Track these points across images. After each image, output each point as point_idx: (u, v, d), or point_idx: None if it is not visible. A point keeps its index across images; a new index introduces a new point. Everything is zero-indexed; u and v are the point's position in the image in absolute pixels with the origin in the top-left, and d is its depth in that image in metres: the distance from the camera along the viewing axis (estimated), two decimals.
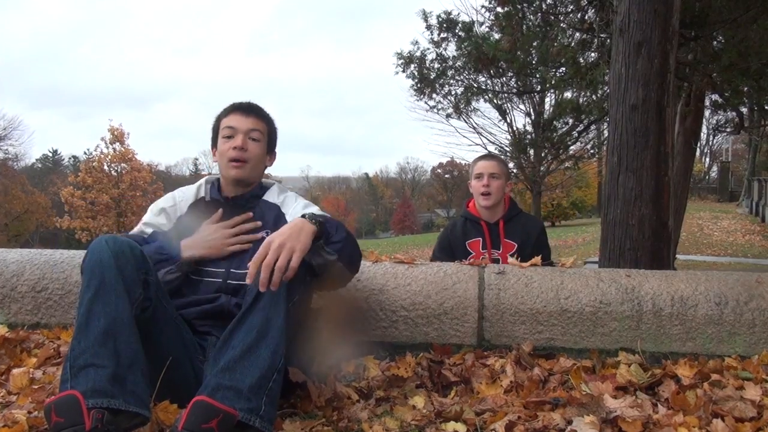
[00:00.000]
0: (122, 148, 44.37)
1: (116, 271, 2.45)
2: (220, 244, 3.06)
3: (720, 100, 12.80)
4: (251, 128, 3.20)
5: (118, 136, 44.28)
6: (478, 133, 24.78)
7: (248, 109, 3.26)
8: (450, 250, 4.76)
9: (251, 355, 2.41)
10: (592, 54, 11.22)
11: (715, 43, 10.48)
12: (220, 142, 3.22)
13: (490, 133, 24.94)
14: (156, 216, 3.21)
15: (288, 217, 3.21)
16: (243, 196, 3.27)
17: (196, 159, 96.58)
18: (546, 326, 3.33)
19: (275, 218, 3.24)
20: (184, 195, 3.29)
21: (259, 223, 3.18)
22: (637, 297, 3.34)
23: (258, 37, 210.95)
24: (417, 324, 3.37)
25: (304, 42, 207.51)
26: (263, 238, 2.69)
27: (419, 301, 3.39)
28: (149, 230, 3.16)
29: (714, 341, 3.29)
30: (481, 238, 4.71)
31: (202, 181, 3.37)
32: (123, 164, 44.44)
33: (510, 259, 3.92)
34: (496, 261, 4.47)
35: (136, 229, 3.19)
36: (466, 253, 4.66)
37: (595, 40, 10.36)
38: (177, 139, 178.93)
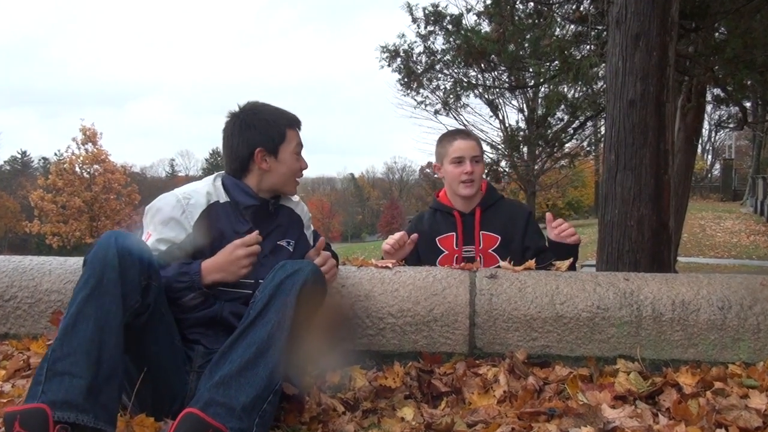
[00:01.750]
0: (95, 149, 44.35)
1: (118, 272, 2.45)
2: (236, 269, 2.93)
3: (722, 94, 12.85)
4: None
5: (90, 137, 44.24)
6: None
7: None
8: (414, 250, 4.21)
9: (248, 373, 2.42)
10: (588, 47, 11.22)
11: (717, 34, 10.51)
12: None
13: (481, 131, 24.91)
14: (165, 228, 2.99)
15: (308, 234, 3.42)
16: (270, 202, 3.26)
17: (173, 160, 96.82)
18: (541, 333, 3.32)
19: (298, 231, 3.34)
20: (193, 199, 3.07)
21: (258, 248, 3.06)
22: (636, 301, 3.33)
23: (242, 31, 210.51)
24: (405, 331, 3.36)
25: (291, 36, 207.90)
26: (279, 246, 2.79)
27: (407, 308, 3.37)
28: (164, 247, 2.97)
29: (717, 347, 3.28)
30: (454, 233, 4.22)
31: (212, 180, 3.22)
32: (95, 166, 44.43)
33: (503, 263, 3.74)
34: (470, 259, 4.06)
35: (151, 242, 2.97)
36: (435, 251, 4.22)
37: (591, 32, 10.35)
38: (153, 138, 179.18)
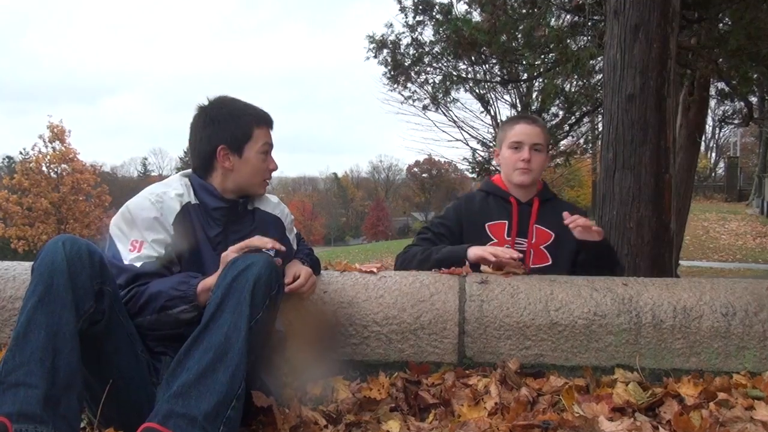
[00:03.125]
0: (63, 148, 44.11)
1: (67, 278, 2.42)
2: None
3: (727, 88, 12.89)
4: None
5: (58, 134, 44.02)
6: (458, 127, 24.66)
7: None
8: (458, 229, 4.13)
9: (208, 379, 2.39)
10: (584, 39, 11.23)
11: (720, 25, 10.52)
12: None
13: (472, 127, 24.86)
14: (152, 231, 2.96)
15: (291, 238, 3.46)
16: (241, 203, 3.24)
17: (146, 159, 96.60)
18: (534, 341, 3.32)
19: (279, 234, 3.31)
20: (165, 201, 3.04)
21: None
22: (635, 308, 3.34)
23: (223, 22, 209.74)
24: (391, 340, 3.36)
25: (274, 28, 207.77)
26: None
27: (393, 315, 3.37)
28: (162, 249, 2.95)
29: (721, 356, 3.29)
30: (507, 221, 4.08)
31: (180, 180, 3.20)
32: (63, 165, 44.17)
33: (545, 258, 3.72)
34: (520, 255, 3.82)
35: (145, 252, 2.92)
36: (483, 238, 4.06)
37: (588, 22, 10.37)
38: (126, 136, 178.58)
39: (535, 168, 4.08)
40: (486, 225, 4.10)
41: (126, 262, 2.88)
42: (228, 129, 3.13)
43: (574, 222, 3.79)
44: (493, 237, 4.07)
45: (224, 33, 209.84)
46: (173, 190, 3.08)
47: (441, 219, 4.23)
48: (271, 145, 3.24)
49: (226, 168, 3.12)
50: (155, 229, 2.94)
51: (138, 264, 2.88)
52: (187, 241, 3.00)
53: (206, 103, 3.20)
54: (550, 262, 3.97)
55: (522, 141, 4.07)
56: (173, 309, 2.80)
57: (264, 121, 3.23)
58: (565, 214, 3.85)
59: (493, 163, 4.28)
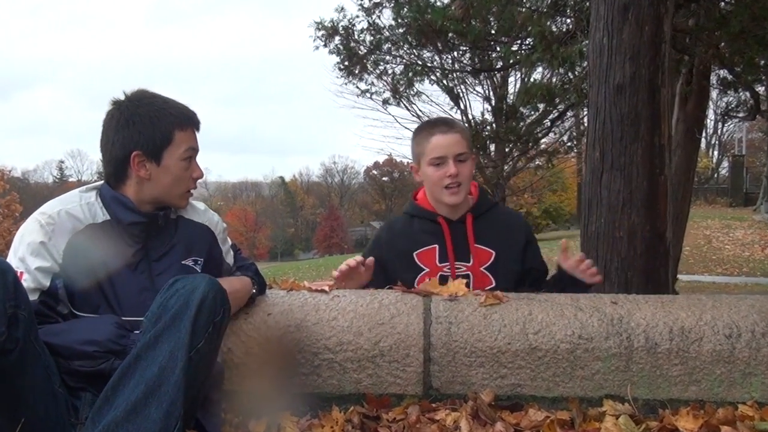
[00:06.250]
0: None
1: None
2: None
3: (729, 76, 12.99)
4: None
5: None
6: None
7: None
8: (380, 268, 4.11)
9: (138, 416, 2.38)
10: (567, 21, 11.28)
11: (722, 4, 10.58)
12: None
13: None
14: (38, 257, 2.91)
15: (224, 250, 3.45)
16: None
17: (62, 162, 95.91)
18: (510, 369, 3.32)
19: (208, 246, 3.33)
20: (57, 225, 2.98)
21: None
22: (626, 329, 3.35)
23: (158, 3, 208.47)
24: (345, 369, 3.35)
25: (220, 8, 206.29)
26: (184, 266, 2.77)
27: (348, 340, 3.36)
28: (47, 279, 2.90)
29: (724, 384, 3.30)
30: (438, 245, 4.08)
31: (82, 197, 3.14)
32: None
33: (499, 294, 3.58)
34: (464, 278, 3.87)
35: (28, 282, 2.86)
36: (412, 269, 4.09)
37: (570, 2, 10.42)
38: (41, 136, 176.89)
39: (465, 181, 4.04)
40: (414, 254, 4.11)
41: None
42: (144, 132, 3.08)
43: (582, 264, 3.98)
44: (424, 266, 4.08)
45: (160, 16, 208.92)
46: (71, 210, 3.04)
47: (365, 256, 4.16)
48: (195, 150, 3.21)
49: (142, 177, 3.09)
50: (41, 256, 2.91)
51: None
52: (85, 270, 2.95)
53: (122, 99, 3.15)
54: (493, 285, 3.97)
55: (444, 155, 4.03)
56: (103, 363, 2.75)
57: (188, 121, 3.19)
58: (563, 244, 4.00)
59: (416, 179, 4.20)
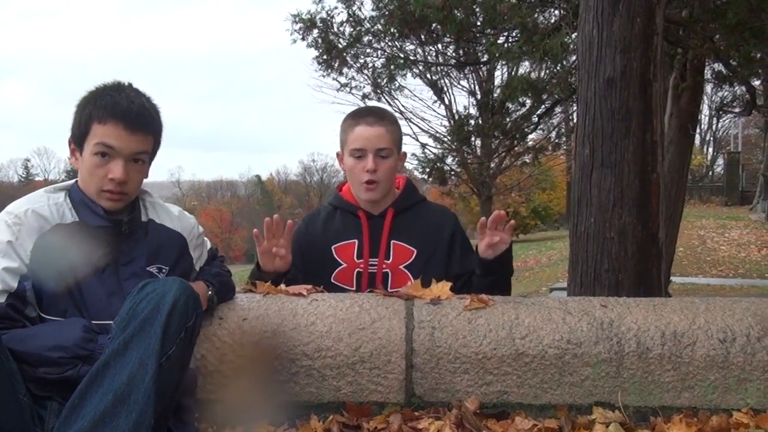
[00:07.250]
0: None
1: None
2: None
3: (725, 70, 12.99)
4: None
5: None
6: (406, 118, 24.73)
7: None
8: (300, 260, 4.06)
9: (106, 427, 2.38)
10: (555, 13, 11.28)
11: None
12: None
13: (422, 119, 24.99)
14: (5, 257, 2.89)
15: (194, 256, 3.42)
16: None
17: (28, 160, 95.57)
18: (496, 375, 3.32)
19: (177, 253, 3.30)
20: (24, 225, 2.97)
21: None
22: (617, 334, 3.35)
23: None
24: (324, 376, 3.34)
25: (195, 2, 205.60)
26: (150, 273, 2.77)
27: (327, 346, 3.35)
28: (14, 280, 2.88)
29: (718, 390, 3.31)
30: (357, 240, 4.09)
31: (51, 196, 3.13)
32: None
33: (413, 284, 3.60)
34: (373, 277, 4.02)
35: None
36: (330, 264, 4.11)
37: None
38: (6, 134, 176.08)
39: (383, 178, 4.01)
40: (333, 248, 4.11)
41: None
42: (74, 119, 3.12)
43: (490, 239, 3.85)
44: (341, 261, 4.09)
45: (134, 7, 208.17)
46: (39, 209, 3.03)
47: None
48: (109, 147, 3.06)
49: (74, 166, 3.13)
50: (8, 256, 2.90)
51: None
52: (54, 271, 2.93)
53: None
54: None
55: (363, 147, 4.00)
56: (70, 369, 2.73)
57: (110, 114, 3.07)
58: (482, 221, 3.86)
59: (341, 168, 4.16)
